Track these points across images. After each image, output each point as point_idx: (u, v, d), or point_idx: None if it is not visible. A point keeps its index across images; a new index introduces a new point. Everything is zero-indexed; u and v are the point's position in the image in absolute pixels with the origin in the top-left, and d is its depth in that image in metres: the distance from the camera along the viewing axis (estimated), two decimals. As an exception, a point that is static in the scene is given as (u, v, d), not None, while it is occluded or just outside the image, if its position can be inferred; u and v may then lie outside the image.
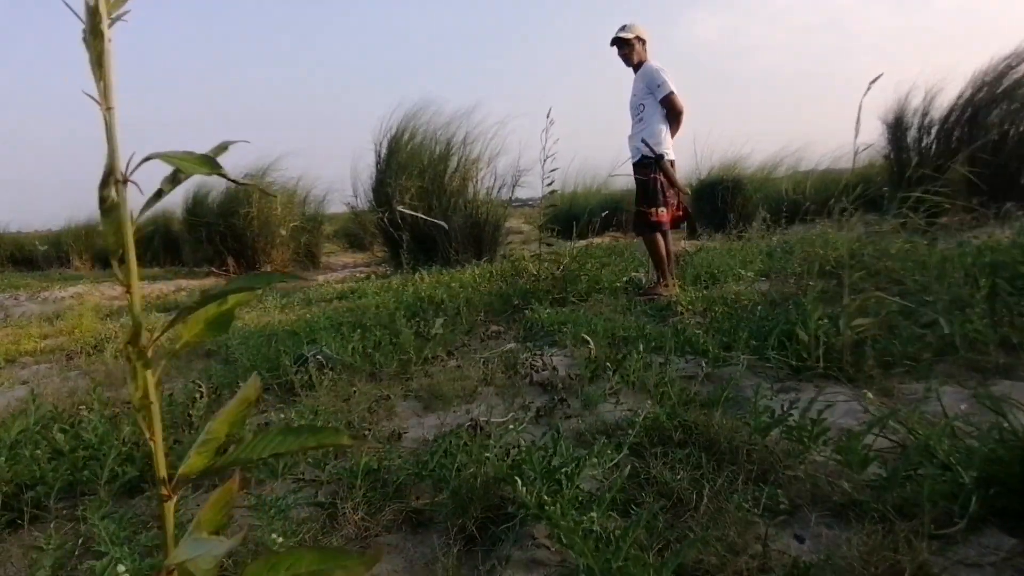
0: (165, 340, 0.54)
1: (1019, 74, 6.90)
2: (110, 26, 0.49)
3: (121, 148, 0.50)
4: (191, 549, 0.51)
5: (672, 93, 3.89)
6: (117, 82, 0.50)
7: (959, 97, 7.15)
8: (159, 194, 0.52)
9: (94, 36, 0.48)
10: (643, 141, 3.94)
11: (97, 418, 1.93)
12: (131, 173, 0.50)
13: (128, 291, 0.51)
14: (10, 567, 1.38)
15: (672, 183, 3.99)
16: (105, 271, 10.54)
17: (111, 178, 0.49)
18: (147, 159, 0.49)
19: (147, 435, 0.53)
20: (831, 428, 1.60)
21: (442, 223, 6.45)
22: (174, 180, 0.53)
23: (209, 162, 0.50)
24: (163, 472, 0.54)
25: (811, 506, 1.35)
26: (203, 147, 0.54)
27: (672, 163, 4.01)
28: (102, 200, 0.49)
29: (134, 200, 0.53)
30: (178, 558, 0.51)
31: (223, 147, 0.52)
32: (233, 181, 0.52)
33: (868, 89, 2.27)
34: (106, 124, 0.49)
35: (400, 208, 6.41)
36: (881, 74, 2.26)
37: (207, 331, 0.55)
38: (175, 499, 0.54)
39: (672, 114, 3.95)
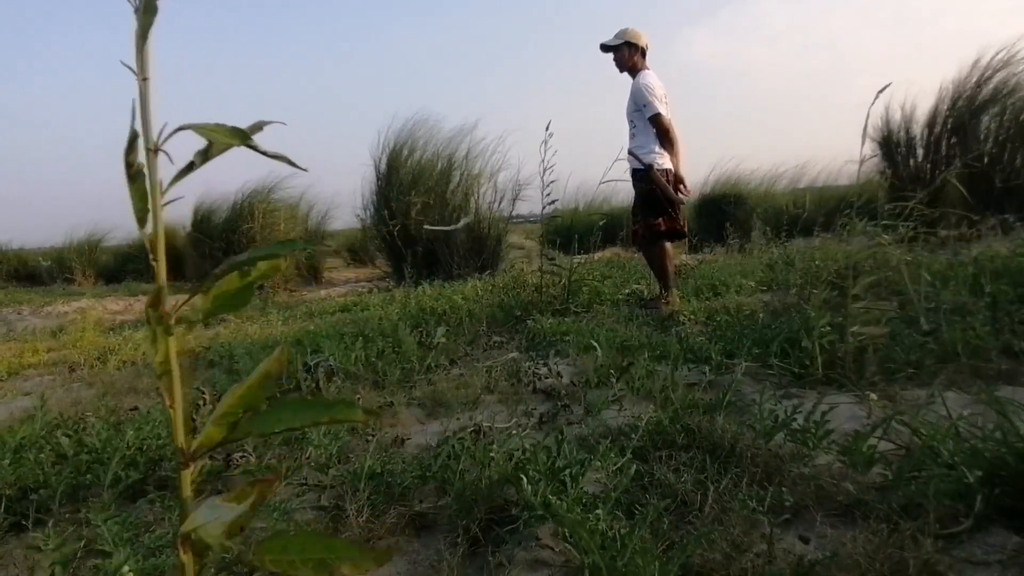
0: (187, 309, 0.55)
1: (996, 81, 6.91)
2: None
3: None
4: (205, 515, 0.52)
5: (657, 114, 3.78)
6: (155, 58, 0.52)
7: (935, 110, 7.18)
8: (190, 166, 0.54)
9: (146, 11, 0.51)
10: (630, 152, 3.93)
11: (101, 424, 1.94)
12: (163, 143, 0.51)
13: (154, 260, 0.52)
14: (12, 569, 1.38)
15: (665, 194, 3.85)
16: (108, 286, 10.55)
17: (136, 144, 0.50)
18: (179, 129, 0.51)
19: (167, 402, 0.54)
20: (835, 432, 1.60)
21: (457, 225, 6.49)
22: (206, 154, 0.54)
23: (240, 134, 0.51)
24: (181, 440, 0.55)
25: (816, 507, 1.34)
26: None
27: (667, 173, 3.88)
28: (128, 166, 0.51)
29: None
30: (193, 524, 0.51)
31: (258, 126, 0.54)
32: (263, 153, 0.54)
33: (876, 99, 2.27)
34: (140, 94, 0.51)
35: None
36: (890, 83, 2.26)
37: (229, 302, 0.56)
38: (192, 468, 0.55)
39: (659, 133, 3.84)
